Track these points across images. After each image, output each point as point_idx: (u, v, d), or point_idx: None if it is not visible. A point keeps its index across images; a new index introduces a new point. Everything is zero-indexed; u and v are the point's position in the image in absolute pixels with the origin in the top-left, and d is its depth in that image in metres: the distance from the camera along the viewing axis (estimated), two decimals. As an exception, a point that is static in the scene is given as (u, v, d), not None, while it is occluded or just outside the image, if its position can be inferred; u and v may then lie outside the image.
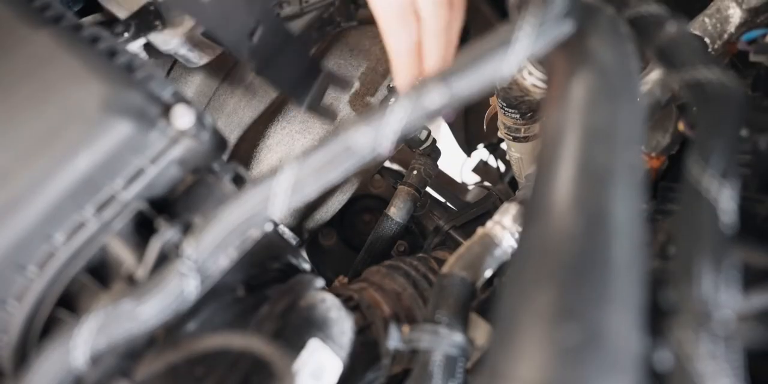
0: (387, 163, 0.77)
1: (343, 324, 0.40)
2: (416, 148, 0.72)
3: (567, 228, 0.24)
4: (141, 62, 0.35)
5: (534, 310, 0.23)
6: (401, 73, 0.47)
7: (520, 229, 0.42)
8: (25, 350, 0.33)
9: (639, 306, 0.23)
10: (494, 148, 0.96)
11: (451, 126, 1.02)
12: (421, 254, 0.61)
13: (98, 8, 0.56)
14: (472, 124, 0.98)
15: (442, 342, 0.36)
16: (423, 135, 0.71)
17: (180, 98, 0.34)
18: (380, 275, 0.53)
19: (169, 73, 0.66)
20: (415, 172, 0.69)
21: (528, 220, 0.26)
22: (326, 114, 0.61)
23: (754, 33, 0.43)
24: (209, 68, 0.67)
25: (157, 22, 0.54)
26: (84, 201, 0.32)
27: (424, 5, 0.44)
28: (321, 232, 0.76)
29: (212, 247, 0.30)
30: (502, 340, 0.23)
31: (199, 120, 0.34)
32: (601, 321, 0.22)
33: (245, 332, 0.34)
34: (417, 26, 0.45)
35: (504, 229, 0.42)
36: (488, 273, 0.41)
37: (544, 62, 0.40)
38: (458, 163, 1.06)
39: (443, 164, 0.77)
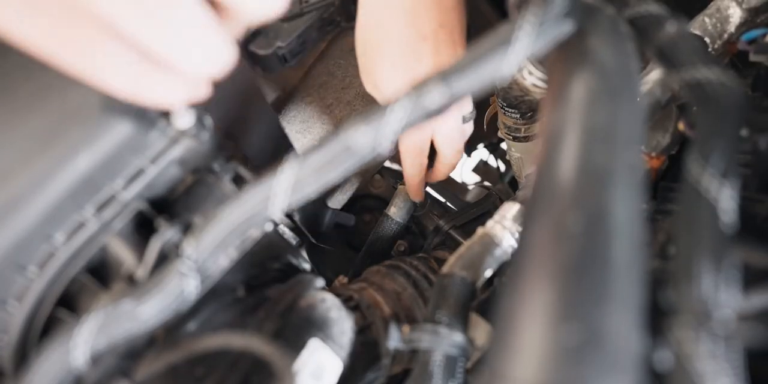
0: (387, 163, 0.77)
1: (343, 324, 0.40)
2: None
3: (567, 228, 0.24)
4: (141, 62, 0.35)
5: (534, 310, 0.23)
6: (413, 187, 0.65)
7: (520, 229, 0.42)
8: (25, 350, 0.33)
9: (639, 306, 0.23)
10: (494, 148, 0.95)
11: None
12: (421, 254, 0.61)
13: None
14: (472, 123, 0.98)
15: (443, 342, 0.36)
16: None
17: (180, 98, 0.34)
18: (380, 275, 0.53)
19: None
20: None
21: (528, 220, 0.26)
22: None
23: (754, 33, 0.43)
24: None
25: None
26: (84, 201, 0.32)
27: (444, 148, 0.61)
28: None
29: (212, 247, 0.30)
30: (502, 340, 0.23)
31: (199, 120, 0.34)
32: (601, 321, 0.22)
33: (245, 332, 0.34)
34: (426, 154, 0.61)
35: (504, 229, 0.42)
36: (488, 273, 0.41)
37: (544, 62, 0.40)
38: (458, 163, 1.06)
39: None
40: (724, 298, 0.24)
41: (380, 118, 0.28)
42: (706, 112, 0.29)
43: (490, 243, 0.42)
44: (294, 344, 0.36)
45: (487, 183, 1.04)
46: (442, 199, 0.76)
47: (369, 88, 0.59)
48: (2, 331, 0.33)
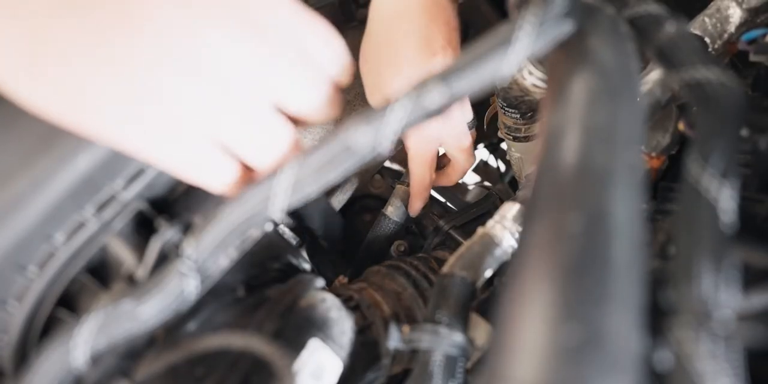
0: (387, 163, 0.77)
1: (343, 324, 0.40)
2: None
3: (567, 228, 0.24)
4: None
5: (534, 310, 0.23)
6: (421, 195, 0.65)
7: (520, 229, 0.42)
8: (25, 350, 0.33)
9: (639, 306, 0.23)
10: (494, 148, 0.95)
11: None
12: (421, 254, 0.61)
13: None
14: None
15: (443, 342, 0.36)
16: None
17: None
18: (380, 275, 0.53)
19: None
20: None
21: (528, 220, 0.26)
22: None
23: (754, 33, 0.43)
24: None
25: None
26: (84, 201, 0.32)
27: (456, 154, 0.63)
28: (321, 232, 0.75)
29: (212, 247, 0.30)
30: (502, 340, 0.23)
31: (199, 120, 0.34)
32: (601, 321, 0.22)
33: (245, 332, 0.34)
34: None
35: (504, 229, 0.42)
36: (488, 273, 0.41)
37: (543, 62, 0.40)
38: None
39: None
40: (724, 298, 0.24)
41: (380, 118, 0.28)
42: (706, 112, 0.29)
43: (490, 243, 0.42)
44: (294, 344, 0.36)
45: (487, 183, 1.04)
46: (442, 199, 0.76)
47: (376, 102, 0.60)
48: (2, 331, 0.33)
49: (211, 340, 0.33)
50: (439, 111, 0.28)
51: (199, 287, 0.31)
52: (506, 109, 0.59)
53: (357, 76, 0.61)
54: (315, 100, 0.30)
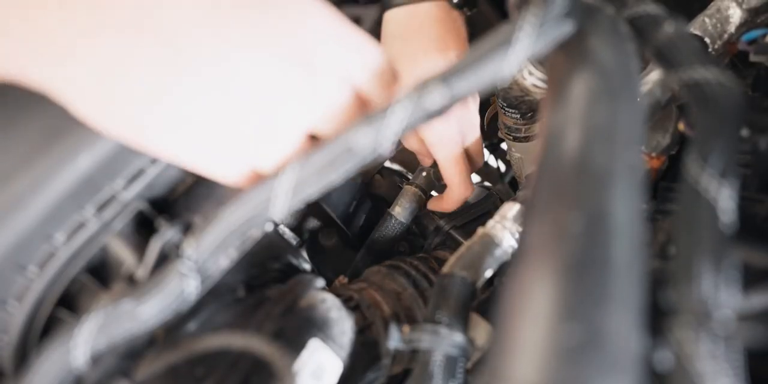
0: (387, 163, 0.77)
1: (343, 324, 0.40)
2: None
3: (567, 228, 0.24)
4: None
5: (534, 310, 0.23)
6: (454, 203, 0.63)
7: (520, 228, 0.42)
8: (25, 350, 0.33)
9: (639, 306, 0.23)
10: (494, 148, 0.95)
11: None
12: (421, 254, 0.61)
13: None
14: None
15: (443, 342, 0.36)
16: None
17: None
18: (380, 275, 0.53)
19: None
20: (424, 173, 0.69)
21: (528, 220, 0.26)
22: None
23: (754, 33, 0.43)
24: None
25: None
26: (84, 201, 0.32)
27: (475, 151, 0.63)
28: (321, 232, 0.75)
29: (213, 248, 0.30)
30: (502, 340, 0.23)
31: (200, 120, 0.34)
32: (602, 321, 0.22)
33: (245, 332, 0.34)
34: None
35: (504, 229, 0.42)
36: (489, 273, 0.41)
37: (543, 62, 0.40)
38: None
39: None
40: (724, 298, 0.24)
41: (381, 119, 0.28)
42: (705, 112, 0.29)
43: (490, 243, 0.42)
44: (294, 344, 0.36)
45: (487, 183, 1.04)
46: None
47: None
48: (2, 331, 0.33)
49: (211, 340, 0.33)
50: (440, 112, 0.28)
51: (199, 287, 0.31)
52: (506, 109, 0.59)
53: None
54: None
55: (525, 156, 0.66)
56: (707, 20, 0.46)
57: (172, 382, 0.33)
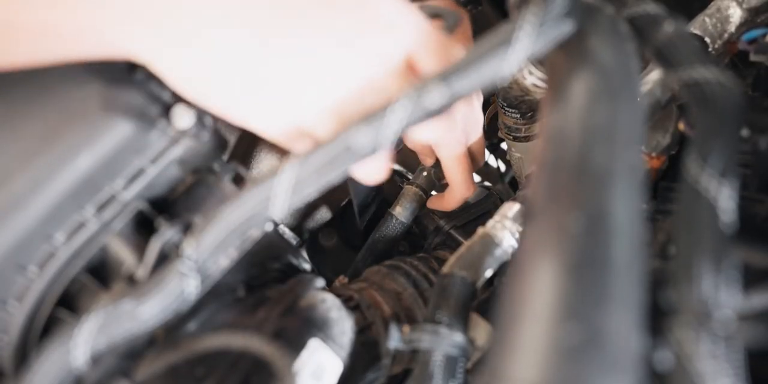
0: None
1: (343, 324, 0.40)
2: None
3: (567, 228, 0.24)
4: (141, 62, 0.35)
5: (534, 310, 0.23)
6: (456, 201, 0.62)
7: (520, 228, 0.42)
8: (25, 350, 0.33)
9: (639, 306, 0.23)
10: (494, 148, 0.95)
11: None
12: (421, 254, 0.60)
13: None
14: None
15: (443, 342, 0.36)
16: None
17: (180, 98, 0.34)
18: (380, 275, 0.53)
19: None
20: (424, 173, 0.68)
21: (528, 220, 0.26)
22: None
23: (755, 33, 0.43)
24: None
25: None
26: (84, 201, 0.32)
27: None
28: (321, 232, 0.75)
29: (212, 247, 0.30)
30: (502, 339, 0.23)
31: (200, 120, 0.34)
32: (602, 321, 0.22)
33: (245, 332, 0.34)
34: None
35: (504, 229, 0.42)
36: (489, 273, 0.41)
37: (543, 62, 0.40)
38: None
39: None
40: (724, 298, 0.24)
41: (380, 119, 0.28)
42: (704, 112, 0.29)
43: (490, 243, 0.42)
44: (294, 344, 0.36)
45: (487, 183, 1.04)
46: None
47: None
48: (2, 331, 0.33)
49: (211, 340, 0.33)
50: (440, 111, 0.28)
51: (199, 287, 0.31)
52: (506, 109, 0.59)
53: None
54: None
55: (525, 156, 0.66)
56: (707, 20, 0.46)
57: (172, 382, 0.33)
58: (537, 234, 0.25)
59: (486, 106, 0.73)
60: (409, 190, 0.67)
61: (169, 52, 0.31)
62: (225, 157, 0.42)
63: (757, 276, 0.29)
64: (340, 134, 0.28)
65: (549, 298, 0.23)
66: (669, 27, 0.32)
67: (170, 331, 0.34)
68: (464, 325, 0.37)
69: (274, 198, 0.29)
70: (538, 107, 0.56)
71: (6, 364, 0.33)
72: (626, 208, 0.24)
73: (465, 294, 0.39)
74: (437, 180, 0.70)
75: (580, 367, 0.21)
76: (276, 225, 0.46)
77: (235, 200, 0.30)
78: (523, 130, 0.62)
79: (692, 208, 0.27)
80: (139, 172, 0.33)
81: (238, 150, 0.72)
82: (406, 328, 0.37)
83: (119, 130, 0.32)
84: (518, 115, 0.59)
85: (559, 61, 0.29)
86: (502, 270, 0.42)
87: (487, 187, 0.77)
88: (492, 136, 0.75)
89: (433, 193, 0.71)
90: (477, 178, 1.08)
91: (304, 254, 0.48)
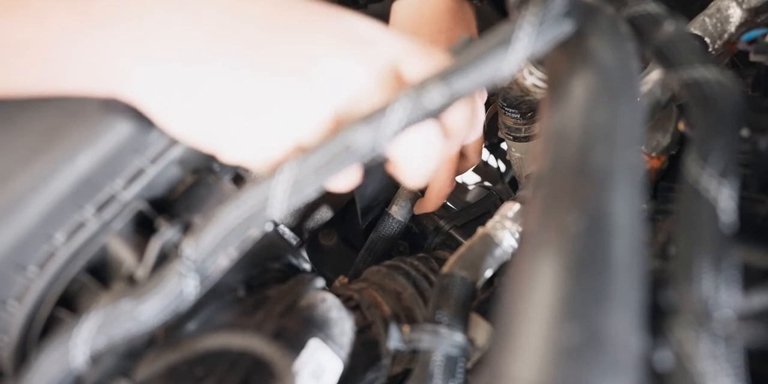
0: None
1: (343, 324, 0.40)
2: None
3: (567, 228, 0.24)
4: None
5: (534, 310, 0.23)
6: (434, 203, 0.62)
7: (520, 228, 0.42)
8: (25, 350, 0.33)
9: (639, 306, 0.23)
10: (494, 148, 0.95)
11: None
12: (421, 254, 0.60)
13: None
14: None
15: (443, 342, 0.36)
16: None
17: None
18: (380, 275, 0.53)
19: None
20: None
21: (528, 219, 0.26)
22: None
23: (755, 33, 0.43)
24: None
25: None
26: (84, 201, 0.32)
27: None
28: (321, 232, 0.75)
29: (212, 247, 0.30)
30: (503, 339, 0.23)
31: (199, 120, 0.34)
32: (602, 321, 0.22)
33: (245, 332, 0.34)
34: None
35: (504, 229, 0.42)
36: (489, 273, 0.41)
37: (543, 62, 0.40)
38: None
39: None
40: (724, 298, 0.24)
41: (380, 118, 0.28)
42: (704, 111, 0.29)
43: (490, 243, 0.42)
44: (294, 344, 0.36)
45: (487, 183, 1.04)
46: (443, 199, 0.76)
47: None
48: (2, 331, 0.33)
49: (211, 340, 0.33)
50: (439, 111, 0.28)
51: (199, 287, 0.31)
52: (506, 109, 0.59)
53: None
54: None
55: (525, 156, 0.66)
56: (707, 20, 0.46)
57: (172, 382, 0.33)
58: (537, 234, 0.25)
59: (486, 106, 0.73)
60: (405, 189, 0.67)
61: (158, 96, 0.30)
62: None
63: (757, 276, 0.29)
64: (339, 134, 0.28)
65: (549, 298, 0.23)
66: (669, 27, 0.32)
67: (170, 331, 0.34)
68: (464, 325, 0.37)
69: (273, 198, 0.29)
70: (538, 107, 0.56)
71: (6, 364, 0.33)
72: (626, 208, 0.24)
73: (465, 294, 0.39)
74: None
75: (580, 367, 0.21)
76: (276, 225, 0.46)
77: (234, 200, 0.30)
78: (523, 130, 0.62)
79: (692, 208, 0.27)
80: (139, 172, 0.33)
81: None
82: (406, 328, 0.37)
83: (119, 130, 0.32)
84: (518, 115, 0.59)
85: (559, 61, 0.29)
86: (502, 270, 0.42)
87: (487, 187, 0.77)
88: (492, 136, 0.75)
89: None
90: (477, 178, 1.08)
91: (304, 254, 0.48)
